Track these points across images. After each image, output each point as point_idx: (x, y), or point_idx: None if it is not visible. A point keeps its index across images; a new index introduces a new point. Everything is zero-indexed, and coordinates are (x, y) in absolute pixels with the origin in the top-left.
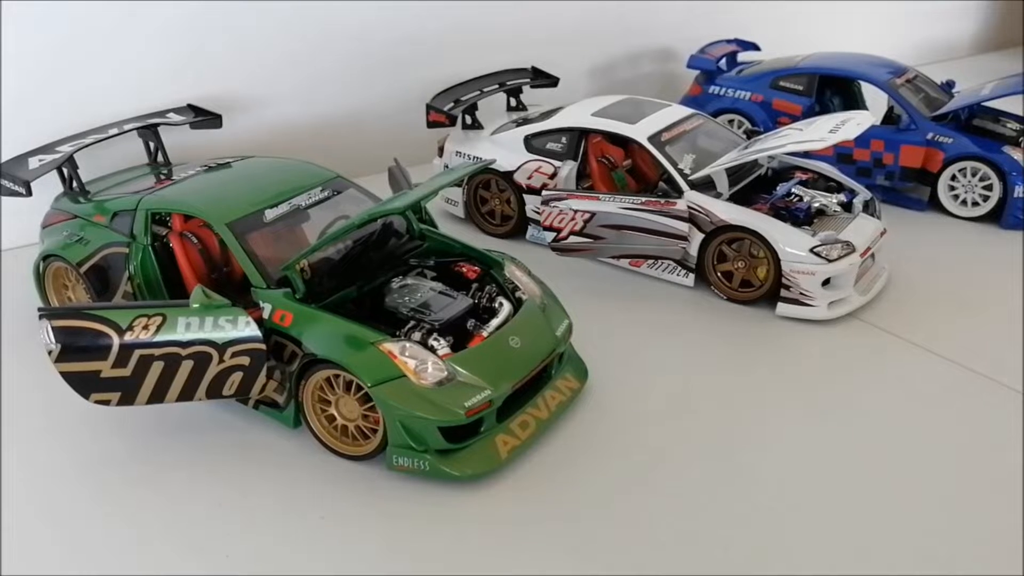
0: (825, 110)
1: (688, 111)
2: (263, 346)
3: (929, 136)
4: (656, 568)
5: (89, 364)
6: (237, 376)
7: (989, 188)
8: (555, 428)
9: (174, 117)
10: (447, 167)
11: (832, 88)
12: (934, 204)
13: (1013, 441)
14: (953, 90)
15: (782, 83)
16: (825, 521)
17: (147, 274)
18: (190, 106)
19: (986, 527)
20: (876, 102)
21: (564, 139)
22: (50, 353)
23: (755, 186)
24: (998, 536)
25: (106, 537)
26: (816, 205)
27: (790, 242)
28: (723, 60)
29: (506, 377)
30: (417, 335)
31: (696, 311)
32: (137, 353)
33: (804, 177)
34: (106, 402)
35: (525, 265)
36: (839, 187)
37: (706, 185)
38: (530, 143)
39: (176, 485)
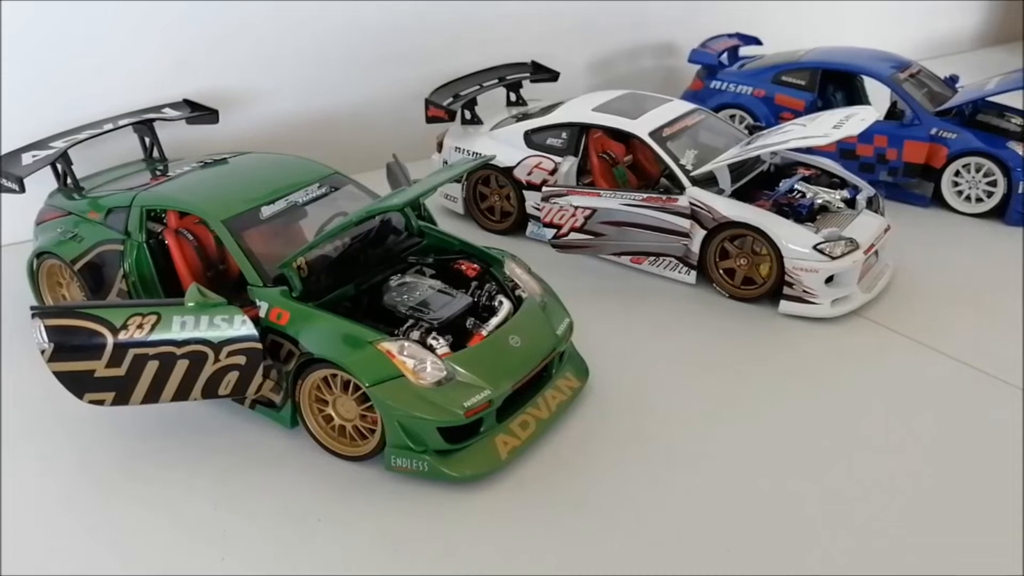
0: (828, 105)
1: (690, 106)
2: (259, 345)
3: (933, 131)
4: (656, 568)
5: (83, 363)
6: (233, 376)
7: (993, 184)
8: (556, 428)
9: (170, 112)
10: (446, 163)
11: (835, 83)
12: (938, 200)
13: (1016, 439)
14: (957, 85)
15: (784, 78)
16: (827, 520)
17: (142, 272)
18: (186, 101)
19: (987, 526)
20: (879, 97)
21: (564, 134)
22: (43, 352)
23: (758, 182)
24: (999, 535)
25: (101, 538)
26: (819, 201)
27: (793, 239)
28: (725, 55)
29: (506, 376)
30: (416, 334)
31: (698, 309)
32: (131, 352)
33: (807, 173)
34: (100, 402)
35: (525, 262)
36: (842, 183)
37: (708, 181)
38: (530, 138)
39: (171, 486)
